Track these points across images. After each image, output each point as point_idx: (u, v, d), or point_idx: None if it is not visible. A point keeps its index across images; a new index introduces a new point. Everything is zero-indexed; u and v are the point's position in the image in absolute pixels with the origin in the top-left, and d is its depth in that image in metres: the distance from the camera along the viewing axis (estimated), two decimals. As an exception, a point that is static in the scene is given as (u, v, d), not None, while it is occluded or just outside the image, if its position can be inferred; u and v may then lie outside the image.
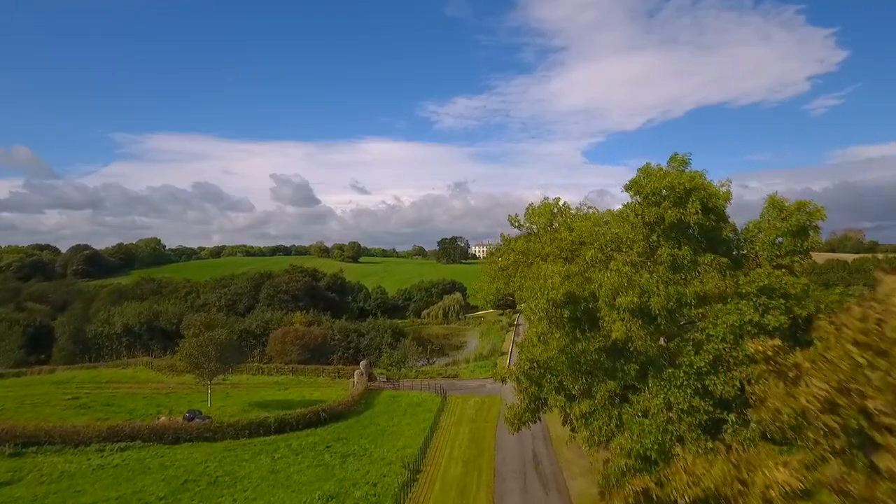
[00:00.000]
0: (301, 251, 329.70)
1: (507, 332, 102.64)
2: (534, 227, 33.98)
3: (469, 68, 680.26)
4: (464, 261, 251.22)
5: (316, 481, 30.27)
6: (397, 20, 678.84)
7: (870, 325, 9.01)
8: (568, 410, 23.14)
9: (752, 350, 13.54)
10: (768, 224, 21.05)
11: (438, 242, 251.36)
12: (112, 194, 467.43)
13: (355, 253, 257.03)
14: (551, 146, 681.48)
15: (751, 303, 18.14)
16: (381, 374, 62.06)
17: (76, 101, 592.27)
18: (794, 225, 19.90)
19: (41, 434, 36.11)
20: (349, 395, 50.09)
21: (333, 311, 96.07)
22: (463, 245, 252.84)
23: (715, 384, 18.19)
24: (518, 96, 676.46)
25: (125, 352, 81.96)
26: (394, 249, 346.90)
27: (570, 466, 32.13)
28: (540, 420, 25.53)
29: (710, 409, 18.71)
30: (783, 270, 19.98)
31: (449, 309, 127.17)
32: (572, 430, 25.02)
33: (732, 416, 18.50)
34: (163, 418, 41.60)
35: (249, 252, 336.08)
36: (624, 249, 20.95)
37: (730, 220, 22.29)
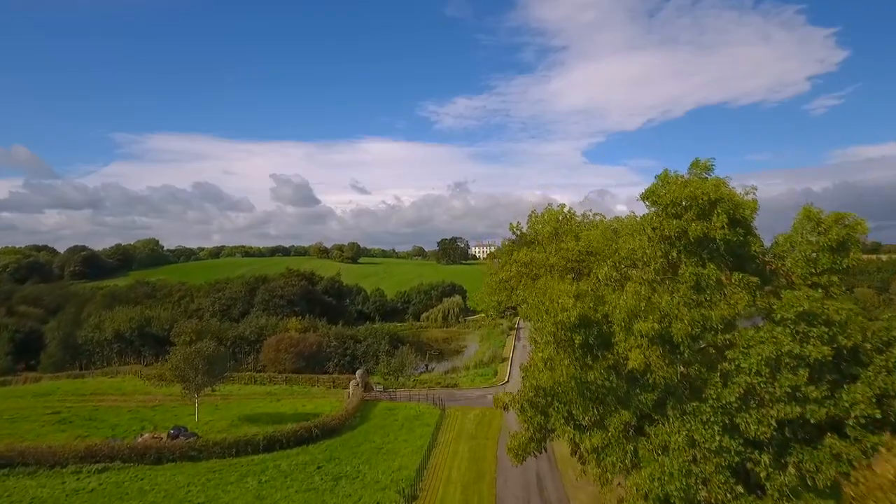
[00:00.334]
0: (300, 252, 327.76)
1: (508, 336, 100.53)
2: (538, 234, 31.89)
3: (469, 68, 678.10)
4: (464, 262, 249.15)
5: (304, 510, 28.16)
6: (397, 20, 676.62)
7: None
8: (577, 441, 21.01)
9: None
10: (801, 238, 18.87)
11: (438, 243, 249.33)
12: (112, 194, 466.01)
13: (354, 254, 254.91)
14: (551, 146, 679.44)
15: (788, 330, 16.01)
16: (378, 383, 59.96)
17: (76, 101, 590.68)
18: (833, 240, 17.71)
19: (14, 455, 33.97)
20: (343, 408, 47.97)
21: (330, 315, 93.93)
22: (463, 246, 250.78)
23: (747, 422, 16.05)
24: (518, 96, 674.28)
25: (116, 358, 79.95)
26: (393, 250, 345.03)
27: (578, 493, 30.02)
28: (546, 450, 23.37)
29: (741, 449, 16.60)
30: (819, 291, 17.85)
31: (448, 312, 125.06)
32: (581, 461, 22.92)
33: (766, 458, 16.38)
34: (146, 435, 39.49)
35: (248, 253, 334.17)
36: (640, 266, 18.80)
37: (757, 231, 20.15)
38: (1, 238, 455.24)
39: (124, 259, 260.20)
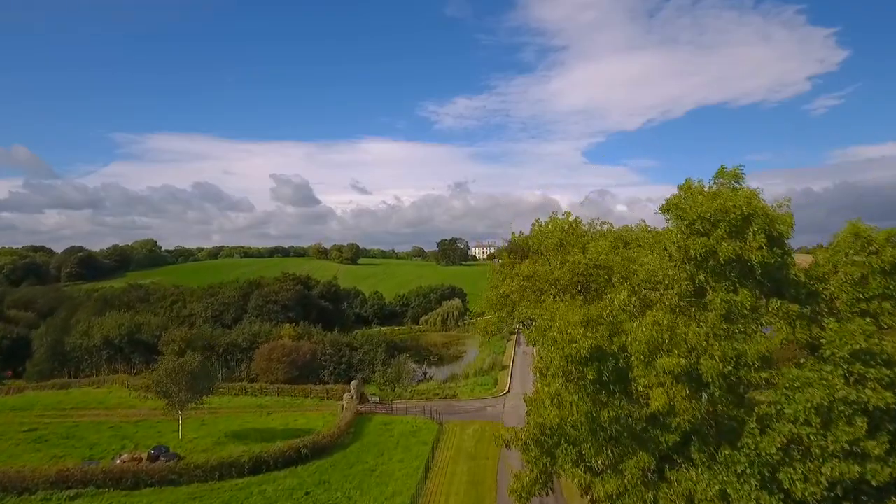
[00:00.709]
0: (299, 252, 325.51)
1: (508, 341, 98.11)
2: (542, 245, 29.52)
3: (469, 68, 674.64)
4: (463, 262, 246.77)
5: (287, 546, 25.82)
6: (397, 20, 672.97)
7: None
8: (589, 486, 18.67)
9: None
10: (847, 259, 16.53)
11: (438, 244, 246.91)
12: (112, 194, 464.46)
13: (354, 254, 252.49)
14: (551, 146, 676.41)
15: (840, 371, 13.67)
16: (374, 395, 57.61)
17: (76, 101, 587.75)
18: (887, 261, 15.37)
19: (-20, 481, 31.70)
20: (336, 423, 45.60)
21: (327, 320, 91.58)
22: (463, 247, 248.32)
23: (791, 479, 13.67)
24: (518, 96, 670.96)
25: (105, 366, 77.58)
26: (393, 250, 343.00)
27: (585, 527, 27.62)
28: (553, 491, 21.03)
29: (783, 509, 14.30)
30: (868, 320, 15.50)
31: (448, 315, 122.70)
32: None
33: (816, 523, 14.07)
34: (125, 456, 37.18)
35: (247, 253, 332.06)
36: (661, 290, 16.45)
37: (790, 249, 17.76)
38: (1, 238, 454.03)
39: (122, 260, 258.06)
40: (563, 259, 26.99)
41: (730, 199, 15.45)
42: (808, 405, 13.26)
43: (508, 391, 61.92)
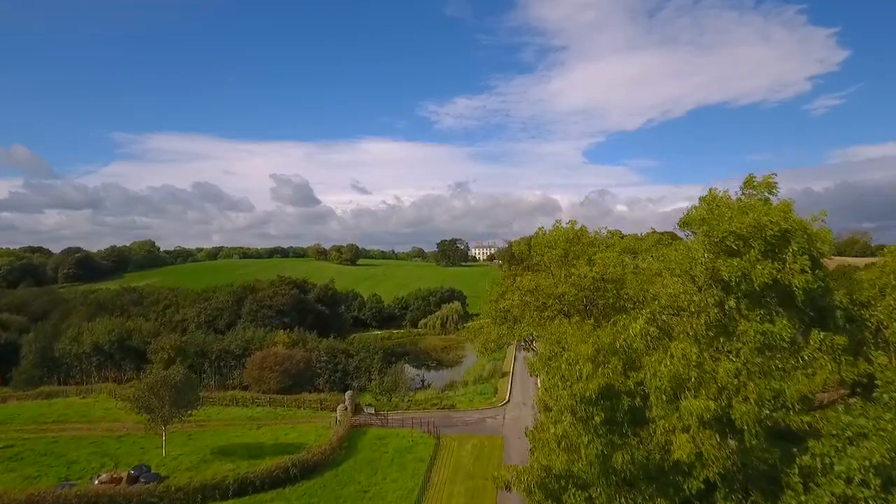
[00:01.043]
0: (299, 253, 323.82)
1: (509, 345, 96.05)
2: (545, 256, 27.44)
3: (469, 68, 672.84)
4: (463, 263, 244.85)
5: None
6: (397, 20, 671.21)
7: None
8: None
9: None
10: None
11: (438, 244, 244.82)
12: (112, 194, 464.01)
13: (353, 255, 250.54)
14: (551, 146, 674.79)
15: (903, 420, 11.63)
16: (369, 405, 55.52)
17: (76, 101, 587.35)
18: (948, 286, 13.31)
19: (-58, 508, 29.67)
20: (329, 438, 43.53)
21: (323, 324, 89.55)
22: (462, 247, 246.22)
23: (844, 549, 11.68)
24: (518, 96, 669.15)
25: (95, 372, 75.68)
26: (393, 251, 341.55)
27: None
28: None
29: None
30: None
31: (447, 319, 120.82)
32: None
33: None
34: (103, 476, 35.13)
35: (246, 254, 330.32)
36: (685, 317, 14.35)
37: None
38: (1, 238, 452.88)
39: (119, 261, 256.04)
40: (568, 272, 24.94)
41: (764, 214, 13.34)
42: (867, 463, 11.14)
43: (509, 400, 59.90)
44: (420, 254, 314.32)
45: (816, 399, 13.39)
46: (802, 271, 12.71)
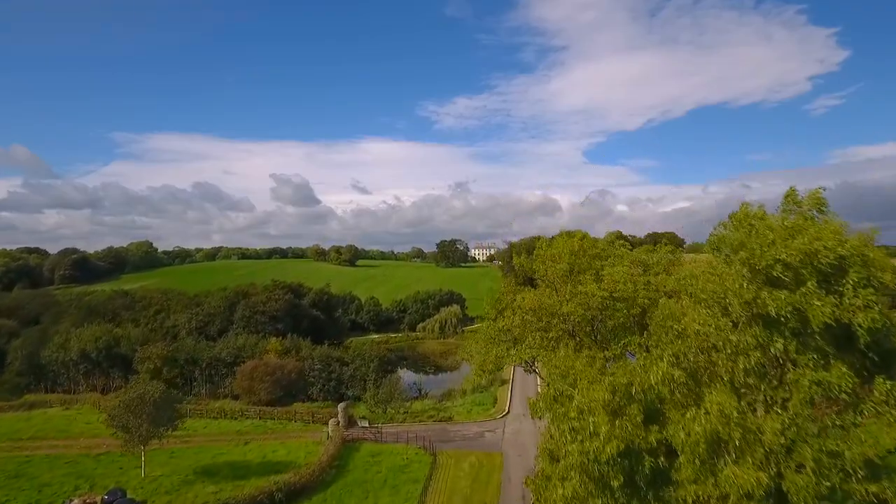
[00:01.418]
0: (298, 254, 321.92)
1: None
2: (548, 270, 25.08)
3: (469, 68, 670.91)
4: (463, 264, 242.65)
5: None
6: (397, 20, 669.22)
7: None
8: None
9: None
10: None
11: (437, 245, 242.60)
12: (112, 194, 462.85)
13: (352, 256, 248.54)
14: (551, 146, 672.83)
15: None
16: (363, 418, 53.21)
17: (76, 101, 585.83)
18: None
19: None
20: (319, 456, 41.24)
21: (319, 329, 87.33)
22: (462, 248, 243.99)
23: None
24: (518, 96, 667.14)
25: (83, 380, 73.41)
26: (392, 251, 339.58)
27: None
28: None
29: None
30: None
31: (446, 322, 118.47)
32: None
33: None
34: (75, 501, 32.78)
35: (245, 255, 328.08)
36: (719, 359, 12.00)
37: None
38: (1, 238, 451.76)
39: (116, 262, 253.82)
40: (574, 289, 22.56)
41: (815, 238, 10.97)
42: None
43: (508, 411, 57.55)
44: (420, 254, 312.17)
45: (884, 463, 11.03)
46: (866, 307, 10.37)
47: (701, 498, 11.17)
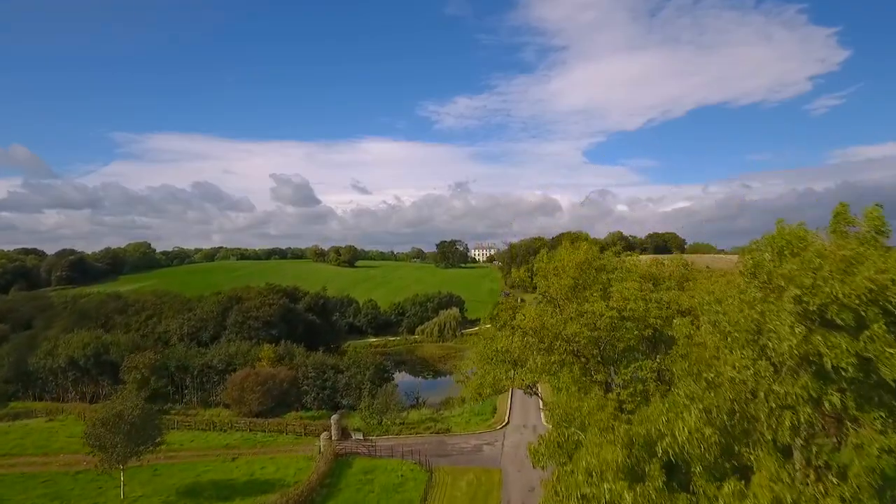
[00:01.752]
0: (297, 254, 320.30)
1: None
2: (550, 285, 23.05)
3: (469, 68, 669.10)
4: (462, 265, 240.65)
5: None
6: (397, 20, 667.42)
7: None
8: None
9: None
10: None
11: (437, 245, 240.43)
12: (111, 194, 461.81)
13: (351, 257, 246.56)
14: (551, 146, 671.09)
15: None
16: (357, 430, 51.23)
17: (76, 101, 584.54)
18: None
19: None
20: (309, 475, 39.26)
21: (314, 335, 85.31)
22: (462, 248, 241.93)
23: None
24: (518, 96, 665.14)
25: (72, 388, 71.53)
26: (392, 252, 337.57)
27: None
28: None
29: None
30: None
31: (445, 325, 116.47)
32: None
33: None
34: (47, 528, 30.91)
35: (244, 255, 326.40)
36: (760, 416, 9.94)
37: None
38: (1, 238, 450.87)
39: (114, 263, 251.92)
40: (580, 308, 20.55)
41: (882, 269, 8.92)
42: None
43: (508, 422, 55.63)
44: (419, 255, 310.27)
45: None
46: (948, 358, 8.33)
47: None
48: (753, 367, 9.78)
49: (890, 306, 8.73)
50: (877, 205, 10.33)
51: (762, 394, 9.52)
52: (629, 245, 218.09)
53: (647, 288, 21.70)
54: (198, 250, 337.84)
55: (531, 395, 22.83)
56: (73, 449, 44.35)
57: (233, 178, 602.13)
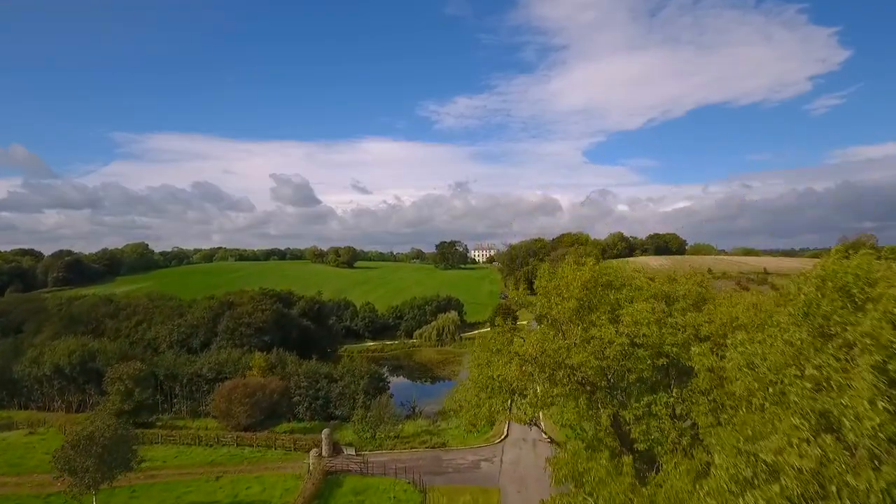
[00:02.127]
0: (296, 255, 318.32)
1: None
2: (553, 307, 20.78)
3: (469, 68, 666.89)
4: (462, 266, 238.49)
5: None
6: (397, 20, 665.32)
7: None
8: None
9: None
10: None
11: (437, 246, 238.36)
12: (111, 194, 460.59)
13: (350, 257, 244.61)
14: (552, 146, 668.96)
15: None
16: (350, 444, 49.03)
17: (76, 101, 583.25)
18: None
19: None
20: (296, 497, 37.04)
21: (308, 341, 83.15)
22: (462, 249, 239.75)
23: None
24: (519, 96, 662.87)
25: (58, 396, 69.40)
26: (392, 252, 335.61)
27: None
28: None
29: None
30: None
31: (444, 329, 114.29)
32: None
33: None
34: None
35: (243, 256, 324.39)
36: (833, 483, 7.67)
37: None
38: (0, 238, 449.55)
39: (111, 264, 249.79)
40: (586, 333, 18.28)
41: None
42: None
43: (507, 436, 53.32)
44: (419, 255, 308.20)
45: None
46: None
47: None
48: (823, 447, 7.49)
49: None
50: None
51: (833, 488, 7.23)
52: (630, 246, 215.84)
53: (660, 309, 19.39)
54: (196, 251, 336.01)
55: (532, 426, 20.58)
56: (47, 469, 41.98)
57: (233, 178, 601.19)
